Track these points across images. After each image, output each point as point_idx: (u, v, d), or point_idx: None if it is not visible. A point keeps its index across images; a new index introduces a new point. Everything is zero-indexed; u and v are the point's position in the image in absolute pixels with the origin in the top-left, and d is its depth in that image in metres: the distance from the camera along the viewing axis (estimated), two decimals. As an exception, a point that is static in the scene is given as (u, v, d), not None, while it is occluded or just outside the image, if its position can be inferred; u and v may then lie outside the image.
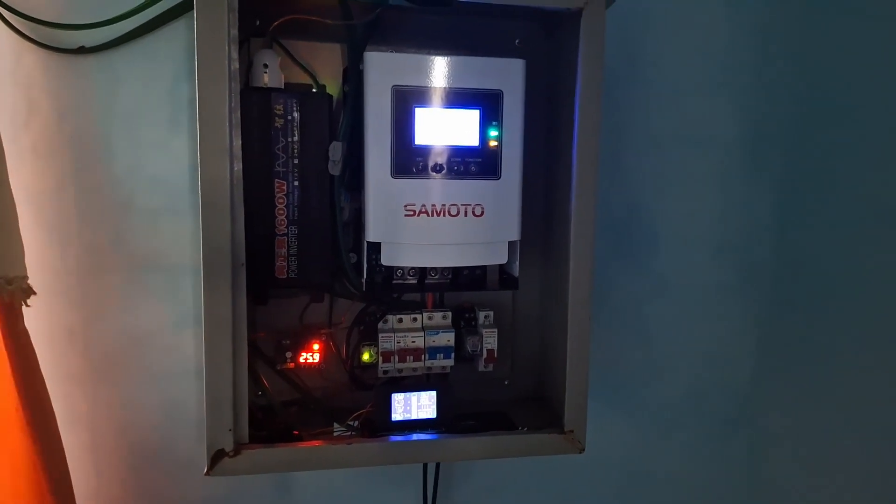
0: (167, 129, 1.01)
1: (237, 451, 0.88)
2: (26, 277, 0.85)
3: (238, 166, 0.85)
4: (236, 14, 0.82)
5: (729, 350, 1.26)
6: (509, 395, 1.11)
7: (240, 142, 0.85)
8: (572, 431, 0.96)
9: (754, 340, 1.26)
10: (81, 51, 0.98)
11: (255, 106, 0.92)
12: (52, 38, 0.97)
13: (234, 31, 0.82)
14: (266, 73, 0.93)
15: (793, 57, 1.19)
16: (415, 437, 0.93)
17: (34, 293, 0.86)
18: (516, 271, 0.98)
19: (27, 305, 0.85)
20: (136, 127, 1.01)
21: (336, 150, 0.93)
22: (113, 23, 0.96)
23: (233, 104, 0.83)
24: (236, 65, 0.83)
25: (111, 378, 1.05)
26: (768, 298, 1.25)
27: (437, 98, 0.90)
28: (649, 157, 1.17)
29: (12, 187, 0.98)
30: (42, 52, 0.97)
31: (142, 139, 1.01)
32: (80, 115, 0.99)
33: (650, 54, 1.15)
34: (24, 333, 0.86)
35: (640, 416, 1.25)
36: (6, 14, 0.95)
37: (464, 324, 1.05)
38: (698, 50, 1.16)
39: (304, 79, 0.99)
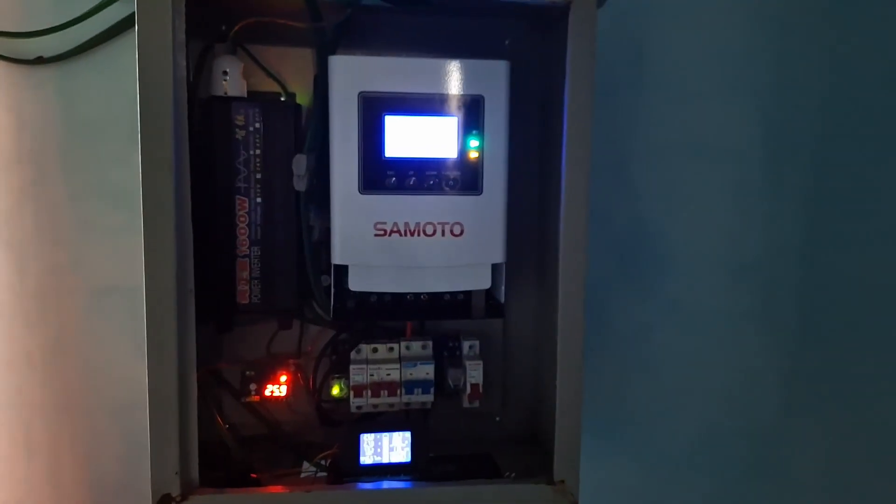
0: (129, 142, 0.95)
1: (184, 496, 0.79)
2: None
3: (185, 183, 0.77)
4: (182, 17, 0.74)
5: (749, 385, 1.13)
6: (499, 435, 1.00)
7: (187, 155, 0.77)
8: (563, 482, 0.85)
9: (779, 374, 1.13)
10: (40, 61, 0.92)
11: (214, 116, 0.85)
12: (9, 49, 0.91)
13: (182, 36, 0.75)
14: (226, 80, 0.86)
15: (816, 55, 1.08)
16: (385, 485, 0.84)
17: None
18: (503, 297, 0.89)
19: None
20: (97, 140, 0.95)
21: (300, 164, 0.85)
22: (69, 26, 0.90)
23: (178, 114, 0.75)
24: (183, 72, 0.75)
25: (72, 407, 0.99)
26: (794, 326, 1.12)
27: (409, 105, 0.82)
28: (658, 168, 1.06)
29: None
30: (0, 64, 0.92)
31: (102, 153, 0.95)
32: (39, 129, 0.94)
33: (656, 54, 1.04)
34: None
35: (647, 460, 1.12)
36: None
37: (447, 354, 0.95)
38: (711, 48, 1.06)
39: (273, 87, 0.92)
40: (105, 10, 0.91)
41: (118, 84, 0.94)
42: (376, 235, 0.83)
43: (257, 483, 0.85)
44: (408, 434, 0.88)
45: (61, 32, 0.91)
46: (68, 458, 1.00)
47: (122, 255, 0.96)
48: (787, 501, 1.16)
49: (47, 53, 0.92)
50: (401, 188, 0.82)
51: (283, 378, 0.93)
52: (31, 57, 0.92)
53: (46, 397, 0.99)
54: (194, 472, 0.81)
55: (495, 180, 0.84)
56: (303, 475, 0.89)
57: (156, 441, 0.78)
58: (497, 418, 1.01)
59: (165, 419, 0.78)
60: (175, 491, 0.79)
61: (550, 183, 0.92)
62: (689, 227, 1.08)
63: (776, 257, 1.11)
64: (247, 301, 0.88)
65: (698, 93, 1.06)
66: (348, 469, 0.86)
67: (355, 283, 0.84)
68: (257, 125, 0.86)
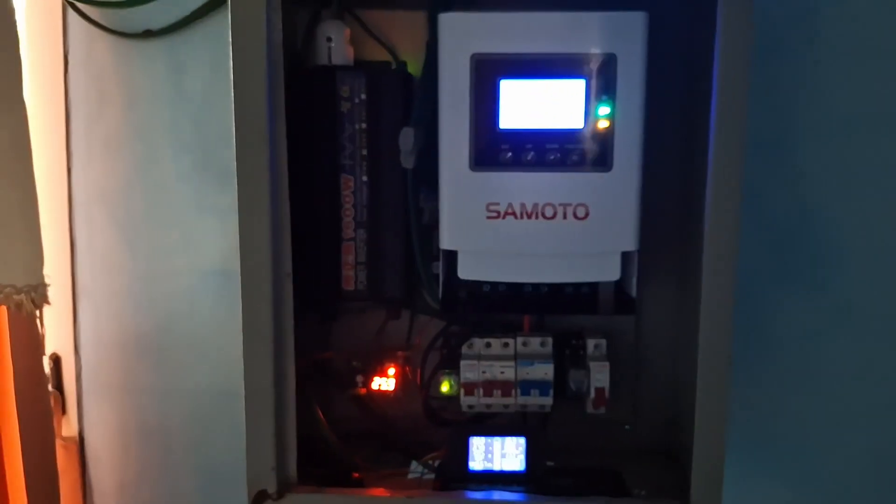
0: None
1: (281, 493, 0.75)
2: (42, 285, 0.79)
3: (282, 157, 0.72)
4: (278, -26, 0.69)
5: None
6: (628, 447, 0.89)
7: (284, 129, 0.71)
8: (701, 505, 0.72)
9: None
10: (148, 34, 0.90)
11: (316, 87, 0.79)
12: (117, 24, 0.90)
13: (276, -7, 0.69)
14: (330, 47, 0.80)
15: None
16: (496, 496, 0.75)
17: (48, 303, 0.80)
18: (634, 291, 0.77)
19: (39, 316, 0.81)
20: (204, 117, 0.92)
21: (406, 139, 0.77)
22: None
23: (274, 83, 0.70)
24: (279, 34, 0.70)
25: (182, 391, 0.98)
26: None
27: (528, 67, 0.72)
28: (828, 144, 0.89)
29: (83, 184, 0.94)
30: (110, 38, 0.91)
31: (209, 130, 0.92)
32: (148, 105, 0.93)
33: (830, 6, 0.87)
34: (35, 344, 0.84)
35: (806, 488, 0.96)
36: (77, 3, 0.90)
37: (569, 353, 0.85)
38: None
39: (382, 55, 0.85)
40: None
41: (226, 57, 0.90)
42: (489, 218, 0.74)
43: (359, 483, 0.80)
44: (522, 440, 0.79)
45: (169, 4, 0.88)
46: (179, 443, 1.00)
47: (231, 236, 0.92)
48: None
49: (154, 26, 0.91)
50: (517, 164, 0.73)
51: (392, 371, 0.87)
52: (139, 30, 0.91)
53: (157, 380, 0.98)
54: (292, 469, 0.76)
55: (628, 155, 0.73)
56: (410, 476, 0.83)
57: (252, 435, 0.74)
58: (627, 427, 0.90)
59: (262, 412, 0.74)
60: (271, 487, 0.75)
61: (695, 158, 0.80)
62: (864, 214, 0.90)
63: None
64: (352, 288, 0.83)
65: (881, 51, 0.87)
66: (456, 474, 0.78)
67: (465, 271, 0.76)
68: (363, 96, 0.80)
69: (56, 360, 0.98)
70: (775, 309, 0.92)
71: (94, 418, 1.00)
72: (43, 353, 0.87)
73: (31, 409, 0.86)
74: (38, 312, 0.83)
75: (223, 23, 0.89)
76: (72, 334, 0.98)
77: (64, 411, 0.99)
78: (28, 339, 0.85)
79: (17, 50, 0.79)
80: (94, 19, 0.91)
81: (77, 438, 1.00)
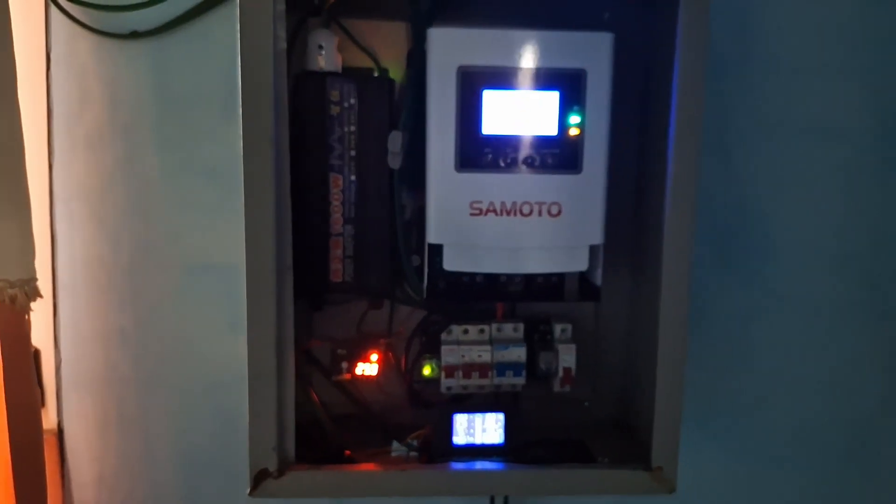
0: (221, 116, 0.95)
1: (282, 471, 0.80)
2: (33, 279, 0.83)
3: (285, 158, 0.77)
4: (283, -12, 0.74)
5: (851, 376, 1.07)
6: (589, 421, 0.98)
7: (287, 131, 0.77)
8: (661, 468, 0.82)
9: (882, 365, 1.07)
10: (134, 35, 0.92)
11: (308, 92, 0.84)
12: (104, 24, 0.92)
13: (281, 7, 0.74)
14: (321, 55, 0.85)
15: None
16: (479, 465, 0.83)
17: (40, 296, 0.84)
18: (599, 280, 0.86)
19: (31, 310, 0.84)
20: (190, 116, 0.95)
21: (395, 141, 0.84)
22: (164, 0, 0.90)
23: (279, 88, 0.75)
24: (283, 44, 0.75)
25: (163, 383, 1.01)
26: (900, 317, 1.06)
27: (509, 79, 0.79)
28: (762, 150, 1.00)
29: (65, 181, 0.96)
30: (94, 38, 0.93)
31: (195, 129, 0.95)
32: (133, 104, 0.94)
33: (764, 28, 0.98)
34: (25, 338, 0.86)
35: (741, 453, 1.08)
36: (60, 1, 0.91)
37: (538, 338, 0.93)
38: (823, 22, 0.98)
39: (365, 62, 0.90)
40: (199, -15, 0.91)
41: (212, 59, 0.94)
42: (472, 214, 0.81)
43: (351, 461, 0.85)
44: (501, 415, 0.86)
45: (156, 7, 0.91)
46: (160, 433, 1.02)
47: (216, 232, 0.97)
48: (886, 497, 1.11)
49: (141, 27, 0.93)
50: (498, 166, 0.80)
51: (374, 357, 0.92)
52: (126, 31, 0.93)
53: (138, 372, 1.00)
54: (290, 449, 0.81)
55: (596, 158, 0.81)
56: (393, 454, 0.88)
57: (254, 417, 0.79)
58: (586, 404, 0.99)
59: (263, 395, 0.78)
60: (272, 466, 0.79)
61: (650, 162, 0.89)
62: (794, 212, 1.02)
63: (884, 245, 1.04)
64: (340, 280, 0.87)
65: (809, 70, 0.99)
66: (440, 449, 0.86)
67: (450, 263, 0.82)
68: (352, 101, 0.85)
69: (35, 354, 0.99)
70: (713, 295, 1.04)
71: (74, 411, 1.01)
72: (31, 347, 0.88)
73: (19, 402, 0.87)
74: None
75: (210, 25, 0.94)
76: (52, 328, 0.99)
77: (43, 404, 1.00)
78: (17, 333, 0.86)
79: (11, 50, 0.81)
80: (78, 18, 0.91)
81: (56, 430, 1.01)
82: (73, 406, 1.02)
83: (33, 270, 0.84)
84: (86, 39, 0.93)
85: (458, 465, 0.82)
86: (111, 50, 0.93)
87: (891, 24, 1.00)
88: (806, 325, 1.05)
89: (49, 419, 1.01)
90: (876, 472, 1.11)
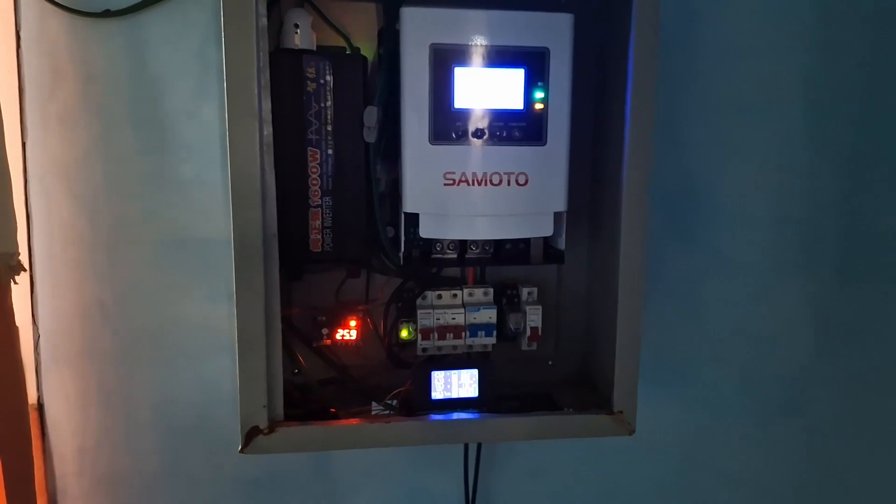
0: (196, 96, 0.97)
1: (272, 428, 0.84)
2: (16, 254, 0.85)
3: (268, 131, 0.81)
4: (264, -33, 0.77)
5: (787, 332, 1.18)
6: (553, 376, 1.05)
7: (269, 105, 0.80)
8: (622, 412, 0.90)
9: (814, 322, 1.18)
10: (107, 14, 0.94)
11: (285, 69, 0.87)
12: (77, 2, 0.93)
13: (263, -15, 0.78)
14: (297, 33, 0.88)
15: (860, 16, 1.10)
16: (455, 416, 0.89)
17: (24, 269, 0.86)
18: (562, 245, 0.92)
19: (15, 283, 0.86)
20: (165, 94, 0.97)
21: (371, 116, 0.88)
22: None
23: (261, 64, 0.79)
24: (265, 21, 0.78)
25: (145, 355, 1.03)
26: (831, 277, 1.17)
27: (478, 57, 0.84)
28: (706, 125, 1.09)
29: (39, 158, 0.97)
30: (66, 16, 0.94)
31: (170, 107, 0.97)
32: (107, 82, 0.96)
33: (707, 11, 1.06)
34: (8, 311, 0.87)
35: (691, 400, 1.18)
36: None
37: (506, 301, 0.99)
38: (758, 7, 1.07)
39: (338, 41, 0.94)
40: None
41: (186, 37, 0.96)
42: (446, 185, 0.86)
43: (336, 417, 0.90)
44: (475, 372, 0.92)
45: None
46: (142, 405, 1.04)
47: (192, 207, 0.99)
48: (818, 441, 1.22)
49: (114, 6, 0.94)
50: (469, 138, 0.85)
51: (353, 323, 0.97)
52: (99, 10, 0.94)
53: (118, 346, 1.02)
54: (279, 407, 0.85)
55: (559, 131, 0.87)
56: (374, 413, 0.93)
57: (244, 378, 0.83)
58: (550, 362, 1.06)
59: (253, 357, 0.82)
60: (263, 424, 0.84)
61: (606, 134, 0.96)
62: (735, 182, 1.11)
63: (816, 211, 1.14)
64: (319, 250, 0.92)
65: (746, 51, 1.08)
66: (420, 404, 0.91)
67: (426, 231, 0.88)
68: (328, 77, 0.89)
69: (14, 331, 1.00)
70: (664, 259, 1.12)
71: (54, 385, 1.03)
72: (14, 320, 0.90)
73: (3, 374, 0.89)
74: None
75: (184, 4, 0.96)
76: (29, 304, 1.00)
77: (22, 380, 1.01)
78: (1, 307, 0.87)
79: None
80: (49, -4, 0.93)
81: (36, 405, 1.03)
82: (52, 381, 1.03)
83: (16, 245, 0.86)
84: (57, 18, 0.94)
85: (437, 416, 0.88)
86: (84, 28, 0.94)
87: (817, 10, 1.09)
88: (748, 285, 1.15)
89: (29, 395, 1.02)
90: (811, 420, 1.22)
